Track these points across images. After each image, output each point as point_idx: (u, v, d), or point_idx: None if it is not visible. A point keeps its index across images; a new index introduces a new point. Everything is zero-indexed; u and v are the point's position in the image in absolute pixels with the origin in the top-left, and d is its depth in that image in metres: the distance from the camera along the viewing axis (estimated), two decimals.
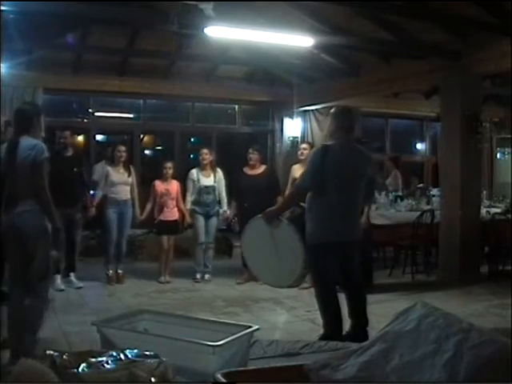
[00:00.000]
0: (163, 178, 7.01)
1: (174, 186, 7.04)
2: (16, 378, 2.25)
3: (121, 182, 6.82)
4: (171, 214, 6.97)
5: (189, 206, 7.05)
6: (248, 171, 7.18)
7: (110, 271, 6.84)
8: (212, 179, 7.07)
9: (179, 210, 7.04)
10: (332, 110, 4.59)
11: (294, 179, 6.45)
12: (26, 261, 3.85)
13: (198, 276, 7.03)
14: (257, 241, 4.49)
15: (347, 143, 4.39)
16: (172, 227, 7.02)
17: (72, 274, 6.56)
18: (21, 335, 3.80)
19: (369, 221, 6.26)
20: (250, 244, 4.60)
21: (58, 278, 6.28)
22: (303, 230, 4.29)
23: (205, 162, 7.09)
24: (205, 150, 7.19)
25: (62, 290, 6.25)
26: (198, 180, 7.03)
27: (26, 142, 3.88)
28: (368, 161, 4.52)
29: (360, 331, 4.32)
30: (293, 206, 4.60)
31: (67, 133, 6.61)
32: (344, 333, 4.39)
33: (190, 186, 7.08)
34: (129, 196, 6.86)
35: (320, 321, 5.18)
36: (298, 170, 6.73)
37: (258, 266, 4.56)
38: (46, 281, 3.95)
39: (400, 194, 8.53)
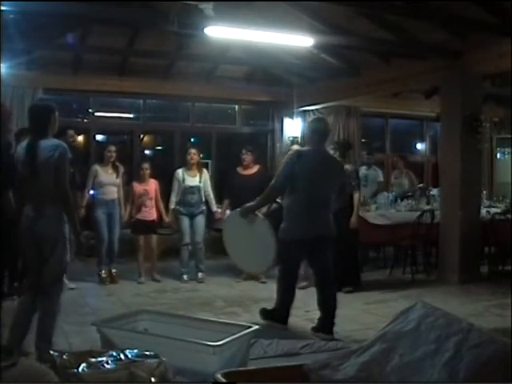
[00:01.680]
0: (141, 178, 7.00)
1: (152, 185, 7.02)
2: (16, 378, 2.25)
3: (109, 182, 6.84)
4: (149, 213, 6.94)
5: (173, 205, 7.02)
6: (241, 171, 7.19)
7: (103, 271, 6.85)
8: (197, 179, 7.05)
9: (157, 210, 7.03)
10: (309, 120, 5.10)
11: None
12: (40, 264, 3.80)
13: (185, 277, 7.01)
14: (236, 232, 5.10)
15: (319, 150, 4.87)
16: (148, 227, 6.98)
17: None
18: (21, 336, 3.77)
19: (357, 221, 6.38)
20: (230, 234, 5.22)
21: (65, 278, 6.29)
22: (278, 225, 4.76)
23: (192, 161, 7.07)
24: (193, 150, 7.16)
25: (72, 289, 6.28)
26: (183, 180, 7.02)
27: (47, 142, 3.77)
28: (338, 167, 5.06)
29: (326, 325, 4.75)
30: (268, 203, 5.02)
31: (72, 132, 6.62)
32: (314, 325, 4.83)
33: (175, 185, 7.07)
34: (116, 196, 6.88)
35: None
36: None
37: (237, 253, 5.19)
38: (58, 285, 3.91)
39: (410, 193, 8.53)
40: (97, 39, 8.07)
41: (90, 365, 2.44)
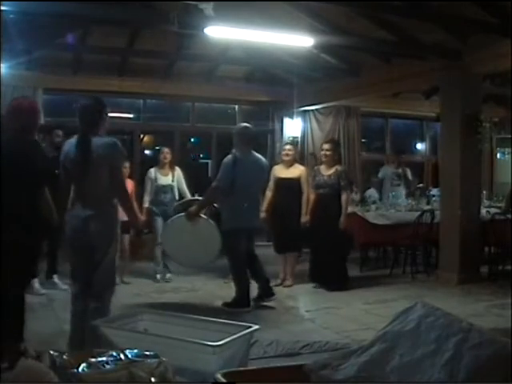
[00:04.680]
0: None
1: (129, 185, 6.93)
2: (16, 377, 2.25)
3: None
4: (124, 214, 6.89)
5: (146, 204, 6.97)
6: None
7: None
8: (170, 178, 7.04)
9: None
10: (236, 127, 5.92)
11: (279, 178, 6.76)
12: (92, 267, 3.64)
13: (158, 277, 6.96)
14: (178, 234, 5.62)
15: (248, 154, 5.62)
16: (124, 227, 6.93)
17: (55, 276, 6.34)
18: (82, 340, 3.65)
19: (345, 221, 6.43)
20: (171, 237, 5.79)
21: (36, 282, 5.96)
22: (218, 222, 5.57)
23: (166, 161, 7.07)
24: (166, 149, 7.16)
25: (43, 295, 5.94)
26: (156, 179, 7.00)
27: (101, 139, 3.66)
28: (265, 168, 5.84)
29: (266, 288, 5.73)
30: (210, 203, 5.83)
31: (60, 132, 6.50)
32: (255, 295, 5.69)
33: (147, 185, 7.05)
34: None
35: (321, 320, 5.27)
36: (279, 170, 6.88)
37: (180, 253, 5.69)
38: (111, 289, 3.79)
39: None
40: (97, 39, 8.07)
41: (89, 365, 2.44)
